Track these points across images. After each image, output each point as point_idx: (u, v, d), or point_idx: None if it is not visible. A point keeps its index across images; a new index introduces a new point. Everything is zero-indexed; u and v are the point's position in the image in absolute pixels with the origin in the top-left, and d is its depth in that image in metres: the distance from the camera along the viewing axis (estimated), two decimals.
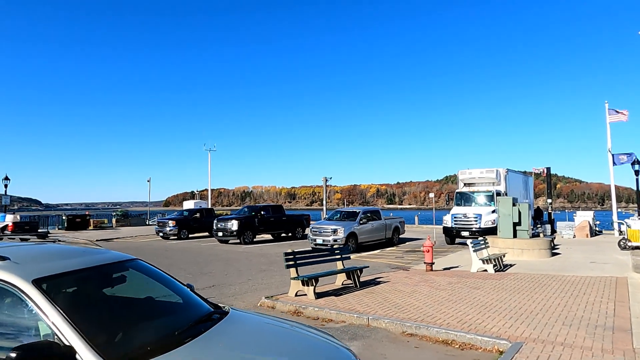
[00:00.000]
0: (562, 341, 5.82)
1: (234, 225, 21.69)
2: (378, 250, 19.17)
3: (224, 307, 3.84)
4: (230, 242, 22.47)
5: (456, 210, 20.96)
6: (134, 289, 3.83)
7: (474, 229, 19.81)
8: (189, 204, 40.61)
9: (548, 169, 27.68)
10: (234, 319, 3.49)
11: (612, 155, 23.83)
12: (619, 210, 36.53)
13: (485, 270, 12.47)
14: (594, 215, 26.18)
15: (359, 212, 19.69)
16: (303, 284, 8.63)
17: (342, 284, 10.29)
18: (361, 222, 19.17)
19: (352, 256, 17.26)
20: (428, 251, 12.77)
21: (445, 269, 13.34)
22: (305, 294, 8.70)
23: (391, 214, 33.71)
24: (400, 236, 22.48)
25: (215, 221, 22.83)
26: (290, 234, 24.99)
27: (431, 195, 22.82)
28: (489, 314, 7.40)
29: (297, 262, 8.94)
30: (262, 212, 23.34)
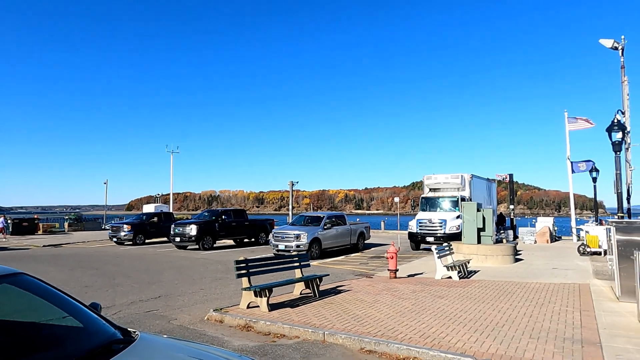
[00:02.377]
0: (530, 357, 5.37)
1: (192, 230, 20.61)
2: (343, 257, 18.62)
3: (134, 332, 3.09)
4: (188, 247, 21.35)
5: (421, 215, 20.74)
6: (14, 310, 3.03)
7: (438, 235, 19.62)
8: (148, 208, 38.84)
9: (511, 175, 28.10)
10: (139, 350, 2.76)
11: (571, 162, 24.37)
12: (576, 216, 37.71)
13: (450, 277, 12.11)
14: (553, 222, 26.70)
15: (324, 217, 19.10)
16: (255, 295, 7.89)
17: (301, 294, 9.61)
18: (325, 227, 18.58)
19: (315, 262, 16.68)
20: (392, 258, 12.30)
21: (409, 275, 12.92)
22: (258, 306, 7.96)
23: (358, 219, 33.35)
24: (366, 242, 22.06)
25: (172, 226, 21.65)
26: (253, 240, 24.10)
27: (396, 200, 22.47)
28: (453, 326, 6.91)
29: (250, 270, 8.20)
30: (223, 217, 22.35)
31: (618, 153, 10.97)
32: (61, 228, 36.04)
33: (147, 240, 24.69)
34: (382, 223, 35.64)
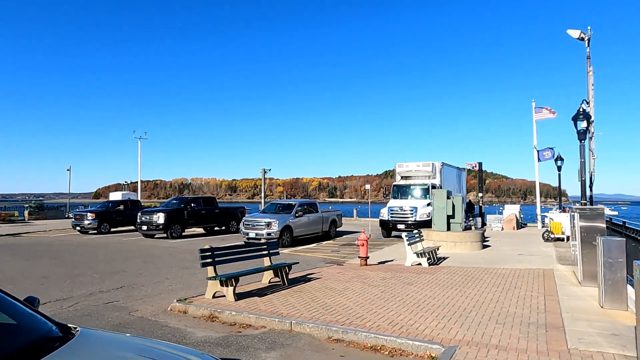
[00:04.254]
0: (496, 343, 5.37)
1: (160, 218, 20.01)
2: (314, 244, 18.52)
3: (74, 328, 2.82)
4: (156, 236, 20.74)
5: (393, 203, 20.84)
6: None
7: (409, 222, 19.78)
8: (115, 196, 37.49)
9: (480, 164, 28.60)
10: (76, 348, 2.49)
11: (538, 151, 24.99)
12: (540, 204, 38.98)
13: (420, 264, 12.19)
14: (520, 209, 27.45)
15: (295, 204, 18.89)
16: (221, 285, 7.64)
17: (269, 282, 9.41)
18: (297, 215, 18.39)
19: (287, 250, 16.50)
20: (362, 245, 12.26)
21: (380, 262, 12.93)
22: (224, 296, 7.72)
23: (330, 207, 33.33)
24: (338, 229, 22.03)
25: (139, 214, 20.96)
26: (224, 228, 23.68)
27: (367, 187, 22.50)
28: (421, 313, 6.89)
29: (216, 259, 7.92)
30: (193, 204, 21.80)
31: (583, 141, 11.17)
32: (21, 217, 34.37)
33: (112, 229, 23.84)
34: (355, 211, 35.80)
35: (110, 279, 10.49)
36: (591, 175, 14.06)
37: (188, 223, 21.41)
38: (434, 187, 20.51)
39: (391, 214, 20.35)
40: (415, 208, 19.82)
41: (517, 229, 24.94)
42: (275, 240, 16.75)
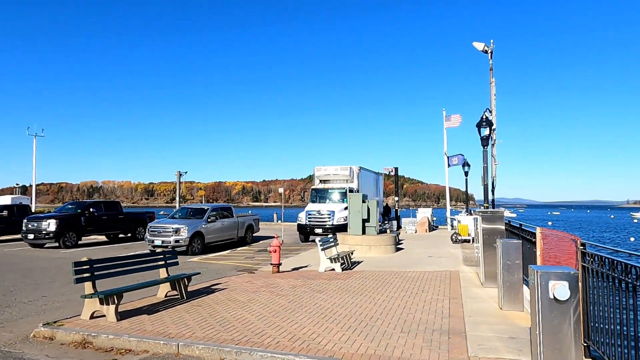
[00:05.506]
0: (399, 355, 5.08)
1: (50, 225, 17.68)
2: (228, 251, 17.57)
3: None
4: (46, 246, 18.32)
5: (311, 207, 20.57)
6: None
7: (327, 226, 19.62)
8: (4, 200, 32.96)
9: (396, 169, 29.54)
10: None
11: (448, 157, 26.38)
12: (451, 207, 41.50)
13: (333, 269, 11.91)
14: (432, 212, 28.77)
15: (208, 209, 17.78)
16: (101, 303, 6.57)
17: (166, 296, 8.44)
18: (209, 220, 17.31)
19: (196, 258, 15.39)
20: (275, 251, 11.68)
21: (294, 269, 12.45)
22: (104, 315, 6.65)
23: (250, 212, 32.36)
24: (256, 234, 21.27)
25: (24, 221, 18.36)
26: (129, 235, 21.70)
27: (280, 190, 22.09)
28: (327, 324, 6.46)
29: (96, 273, 6.82)
30: (92, 209, 19.63)
31: (485, 147, 11.71)
32: None
33: None
34: (275, 215, 35.14)
35: None
36: (493, 180, 14.93)
37: (86, 230, 19.22)
38: (351, 191, 20.61)
39: (309, 218, 20.05)
40: (333, 212, 19.72)
41: (430, 231, 26.06)
42: (185, 247, 15.71)
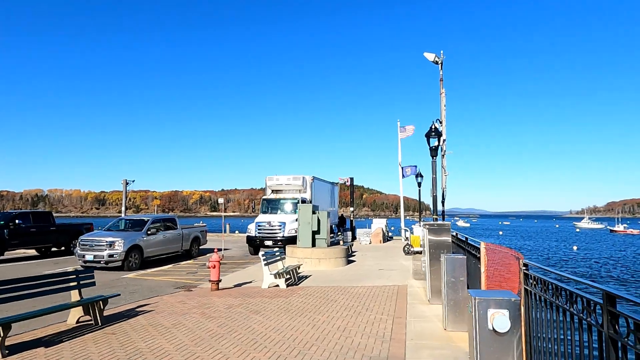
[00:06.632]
0: None
1: None
2: (170, 265, 16.40)
3: None
4: None
5: (261, 218, 19.74)
6: None
7: (278, 238, 18.85)
8: None
9: (351, 179, 29.26)
10: None
11: (402, 168, 26.41)
12: (407, 217, 41.82)
13: (277, 286, 11.18)
14: (386, 223, 28.64)
15: (148, 220, 16.57)
16: None
17: (78, 323, 7.40)
18: (149, 232, 16.09)
19: (132, 274, 14.17)
20: (214, 267, 10.81)
21: (236, 285, 11.61)
22: None
23: (201, 222, 30.91)
24: (202, 247, 20.13)
25: None
26: (63, 248, 19.94)
27: (220, 201, 21.08)
28: (254, 353, 5.73)
29: None
30: (18, 221, 17.82)
31: (434, 158, 11.46)
32: None
33: None
34: (227, 226, 33.78)
35: None
36: (443, 190, 14.80)
37: (10, 244, 17.39)
38: (304, 201, 19.99)
39: (259, 229, 19.20)
40: (284, 223, 18.98)
41: (384, 242, 25.84)
42: (120, 262, 14.40)
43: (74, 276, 7.44)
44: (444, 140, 14.56)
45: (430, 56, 15.43)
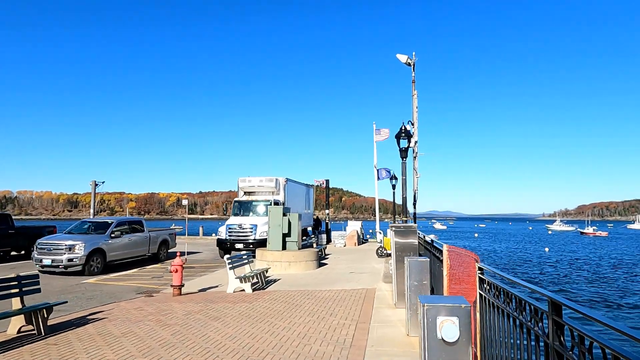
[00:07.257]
0: None
1: None
2: (136, 269, 15.79)
3: None
4: None
5: (232, 220, 19.27)
6: None
7: (250, 241, 18.43)
8: None
9: (327, 181, 29.04)
10: None
11: (377, 170, 26.33)
12: (385, 220, 41.86)
13: (243, 290, 10.82)
14: (362, 225, 28.52)
15: (112, 222, 15.92)
16: None
17: (19, 332, 6.88)
18: (113, 235, 15.45)
19: (93, 279, 13.53)
20: (176, 271, 10.38)
21: (201, 290, 11.20)
22: None
23: (173, 225, 30.18)
24: (171, 250, 19.52)
25: None
26: (23, 252, 19.03)
27: (184, 202, 20.54)
28: None
29: None
30: None
31: (404, 159, 11.32)
32: None
33: None
34: (201, 229, 33.04)
35: None
36: (415, 193, 14.70)
37: None
38: (277, 203, 19.63)
39: (229, 232, 18.73)
40: (255, 225, 18.57)
41: (359, 244, 25.69)
42: (81, 267, 13.73)
43: (16, 282, 6.93)
44: (416, 142, 14.48)
45: (402, 58, 15.35)
